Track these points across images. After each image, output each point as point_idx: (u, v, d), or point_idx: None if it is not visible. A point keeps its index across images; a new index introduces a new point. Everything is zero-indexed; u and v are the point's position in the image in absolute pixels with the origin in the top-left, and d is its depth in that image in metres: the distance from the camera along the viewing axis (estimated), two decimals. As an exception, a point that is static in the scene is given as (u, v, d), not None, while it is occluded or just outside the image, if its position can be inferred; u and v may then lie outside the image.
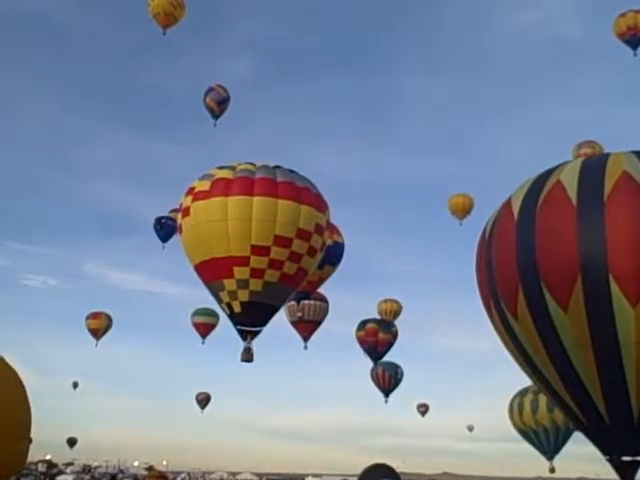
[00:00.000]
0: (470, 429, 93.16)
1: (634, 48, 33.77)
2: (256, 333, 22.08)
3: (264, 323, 22.20)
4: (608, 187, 12.87)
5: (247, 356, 21.65)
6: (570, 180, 13.46)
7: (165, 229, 39.74)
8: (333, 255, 26.27)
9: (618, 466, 14.07)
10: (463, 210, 41.74)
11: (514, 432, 32.37)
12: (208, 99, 37.74)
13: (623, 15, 33.78)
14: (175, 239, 35.42)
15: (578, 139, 37.13)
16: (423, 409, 65.17)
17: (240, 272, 20.73)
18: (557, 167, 14.34)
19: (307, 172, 22.08)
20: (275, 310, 22.40)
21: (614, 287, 12.39)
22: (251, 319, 21.82)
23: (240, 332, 21.88)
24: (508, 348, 15.30)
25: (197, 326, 42.15)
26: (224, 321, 29.19)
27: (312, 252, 21.61)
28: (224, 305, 21.81)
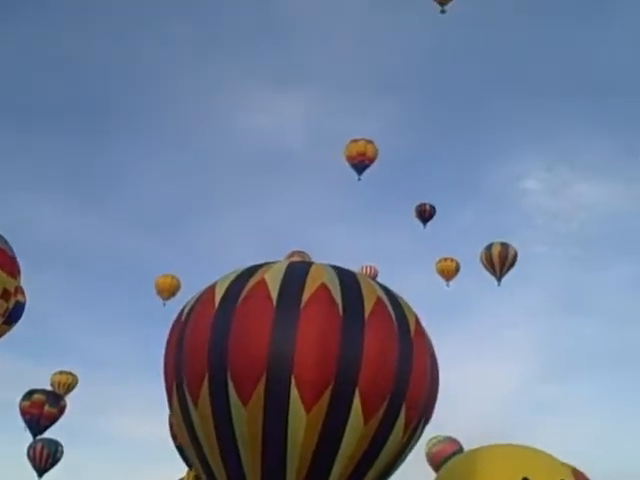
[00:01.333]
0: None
1: (359, 173, 37.54)
2: None
3: None
4: (306, 295, 13.61)
5: None
6: (274, 280, 14.01)
7: None
8: (10, 314, 23.85)
9: None
10: (169, 291, 41.52)
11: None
12: None
13: (355, 141, 37.68)
14: None
15: (291, 246, 39.80)
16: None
17: None
18: (265, 264, 14.92)
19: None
20: None
21: (294, 391, 12.95)
22: None
23: None
24: (181, 434, 15.06)
25: None
26: None
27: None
28: None
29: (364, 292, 14.15)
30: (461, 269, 39.00)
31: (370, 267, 41.32)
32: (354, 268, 17.87)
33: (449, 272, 38.93)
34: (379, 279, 36.81)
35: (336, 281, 14.14)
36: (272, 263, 14.99)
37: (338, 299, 13.72)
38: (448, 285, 39.85)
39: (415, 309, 15.50)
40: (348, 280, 14.40)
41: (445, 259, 39.90)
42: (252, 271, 14.56)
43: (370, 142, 37.21)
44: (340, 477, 13.63)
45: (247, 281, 14.20)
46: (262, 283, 14.00)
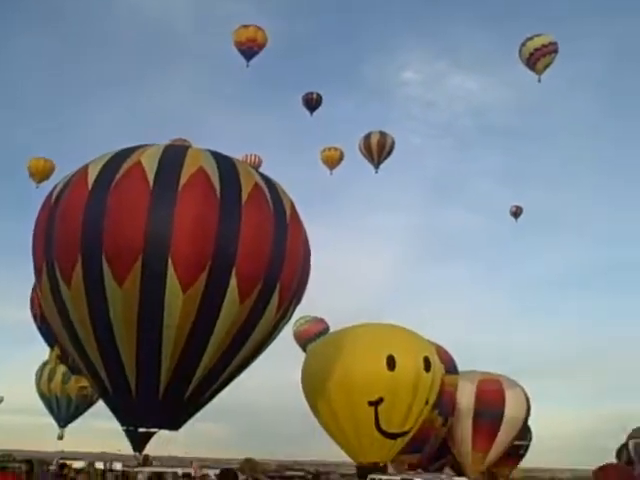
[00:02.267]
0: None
1: (248, 59, 36.03)
2: None
3: None
4: (184, 178, 13.62)
5: None
6: (150, 162, 13.85)
7: None
8: None
9: (134, 437, 14.98)
10: (42, 173, 39.62)
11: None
12: None
13: (245, 27, 35.93)
14: None
15: (173, 133, 38.57)
16: None
17: None
18: (139, 147, 14.61)
19: None
20: None
21: (171, 271, 13.13)
22: None
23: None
24: (51, 314, 15.01)
25: None
26: None
27: None
28: None
29: (242, 178, 14.32)
30: (345, 158, 39.56)
31: (254, 156, 40.89)
32: (238, 157, 17.85)
33: (333, 161, 39.31)
34: (263, 168, 36.96)
35: (214, 165, 14.18)
36: (148, 146, 14.72)
37: (216, 183, 13.80)
38: (331, 173, 40.42)
39: (298, 197, 15.95)
40: (226, 165, 14.49)
41: (329, 148, 40.08)
42: (127, 153, 14.28)
43: (260, 29, 36.08)
44: (213, 356, 14.18)
45: (122, 163, 13.91)
46: (138, 165, 13.78)
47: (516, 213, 43.79)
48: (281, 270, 14.29)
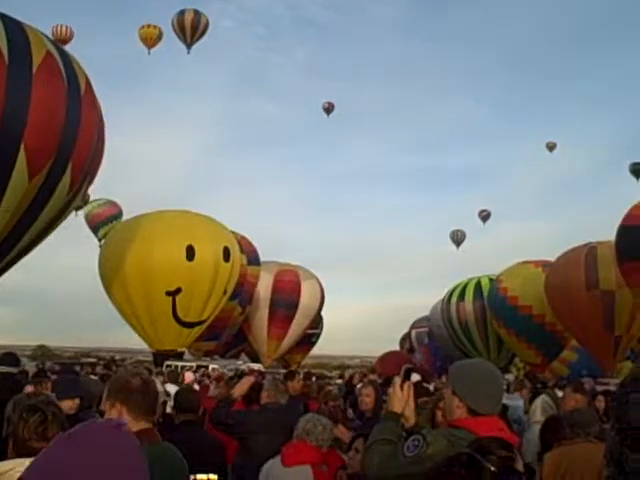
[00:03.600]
0: None
1: None
2: None
3: None
4: (37, 59, 12.88)
5: None
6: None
7: None
8: None
9: None
10: None
11: None
12: None
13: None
14: None
15: None
16: None
17: None
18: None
19: None
20: None
21: (22, 156, 12.57)
22: None
23: None
24: None
25: None
26: None
27: None
28: None
29: (32, 44, 13.18)
30: (164, 37, 36.98)
31: (64, 27, 36.65)
32: (44, 29, 16.19)
33: (152, 39, 36.54)
34: (75, 42, 33.86)
35: (0, 28, 12.88)
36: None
37: (4, 49, 12.58)
38: (150, 53, 37.66)
39: (109, 74, 15.06)
40: (14, 28, 13.21)
41: (148, 25, 37.18)
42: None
43: None
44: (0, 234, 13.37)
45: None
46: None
47: (328, 109, 44.30)
48: (74, 146, 13.57)
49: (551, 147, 46.08)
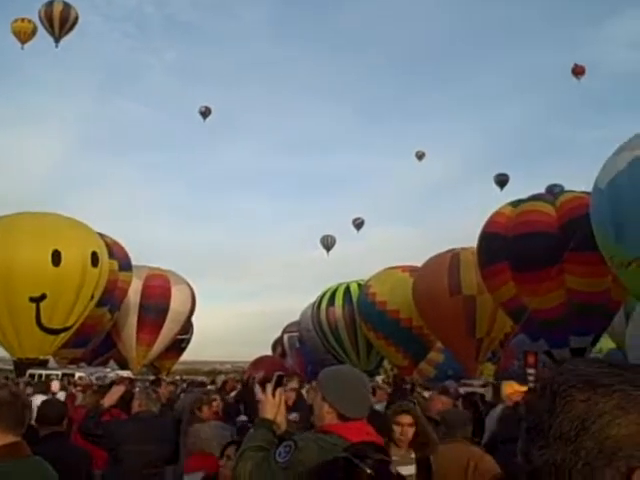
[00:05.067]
0: None
1: None
2: None
3: None
4: None
5: None
6: None
7: None
8: None
9: None
10: None
11: None
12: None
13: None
14: None
15: None
16: None
17: None
18: None
19: None
20: None
21: None
22: None
23: None
24: None
25: None
26: None
27: None
28: None
29: None
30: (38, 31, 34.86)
31: None
32: None
33: (25, 34, 34.40)
34: None
35: None
36: None
37: None
38: (23, 48, 35.42)
39: None
40: None
41: (22, 19, 34.95)
42: None
43: None
44: None
45: None
46: None
47: (205, 113, 43.68)
48: None
49: (420, 156, 47.78)
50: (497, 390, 7.66)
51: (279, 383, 3.01)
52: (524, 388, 7.23)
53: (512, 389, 7.07)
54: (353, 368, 3.14)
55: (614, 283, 15.37)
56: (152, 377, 19.73)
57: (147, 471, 5.03)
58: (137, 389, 6.57)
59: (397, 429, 4.12)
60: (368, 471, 2.02)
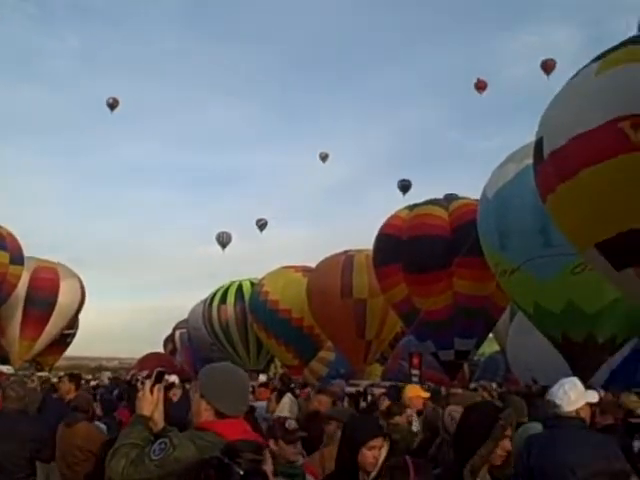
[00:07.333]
0: None
1: None
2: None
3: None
4: None
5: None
6: None
7: None
8: None
9: None
10: None
11: None
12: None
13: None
14: None
15: None
16: None
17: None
18: None
19: None
20: None
21: None
22: None
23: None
24: None
25: None
26: None
27: None
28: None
29: None
30: None
31: None
32: None
33: None
34: None
35: None
36: None
37: None
38: None
39: None
40: None
41: None
42: None
43: None
44: None
45: None
46: None
47: (112, 105, 42.13)
48: None
49: (324, 157, 48.14)
50: (399, 392, 7.80)
51: (159, 379, 2.94)
52: (426, 394, 7.37)
53: (414, 393, 7.16)
54: (233, 365, 3.09)
55: (498, 289, 15.89)
56: (42, 374, 18.85)
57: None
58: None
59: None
60: (239, 472, 2.03)
